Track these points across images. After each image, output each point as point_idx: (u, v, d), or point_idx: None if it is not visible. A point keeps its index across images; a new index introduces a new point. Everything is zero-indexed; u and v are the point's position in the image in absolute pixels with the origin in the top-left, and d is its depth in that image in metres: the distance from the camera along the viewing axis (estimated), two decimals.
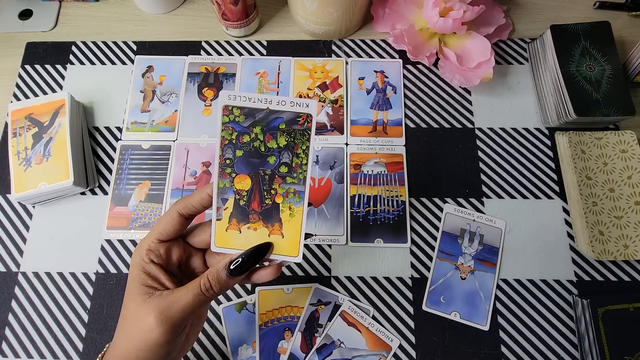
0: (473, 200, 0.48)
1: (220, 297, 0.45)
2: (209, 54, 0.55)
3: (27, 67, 0.54)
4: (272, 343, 0.43)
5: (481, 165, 0.50)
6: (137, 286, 0.28)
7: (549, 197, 0.48)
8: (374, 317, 0.44)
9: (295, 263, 0.37)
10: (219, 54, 0.55)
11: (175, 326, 0.27)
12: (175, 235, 0.30)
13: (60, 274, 0.45)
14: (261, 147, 0.30)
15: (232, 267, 0.28)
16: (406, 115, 0.52)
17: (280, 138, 0.30)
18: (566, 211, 0.48)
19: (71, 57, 0.55)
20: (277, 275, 0.30)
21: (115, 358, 0.28)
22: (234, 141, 0.30)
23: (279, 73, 0.54)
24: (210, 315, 0.44)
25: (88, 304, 0.44)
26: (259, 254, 0.29)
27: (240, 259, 0.28)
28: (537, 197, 0.48)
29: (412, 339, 0.43)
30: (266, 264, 0.31)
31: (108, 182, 0.49)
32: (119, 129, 0.51)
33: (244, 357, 0.42)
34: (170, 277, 0.29)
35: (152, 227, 0.30)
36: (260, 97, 0.30)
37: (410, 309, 0.44)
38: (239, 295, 0.45)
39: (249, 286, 0.45)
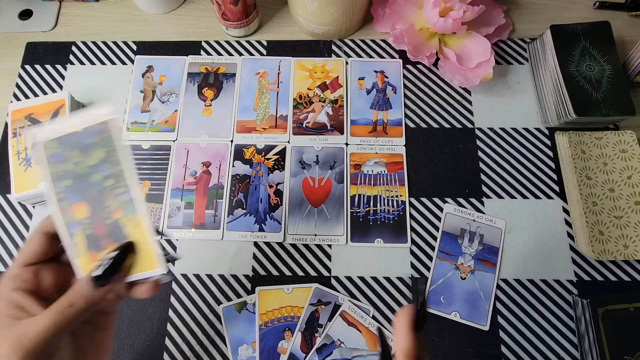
0: (473, 200, 0.48)
1: (220, 297, 0.45)
2: (209, 54, 0.55)
3: (27, 67, 0.54)
4: (272, 343, 0.43)
5: (481, 165, 0.50)
6: (4, 320, 0.24)
7: (549, 197, 0.48)
8: (373, 317, 0.44)
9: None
10: (219, 54, 0.55)
11: (34, 354, 0.23)
12: (45, 256, 0.27)
13: None
14: (84, 168, 0.28)
15: (94, 276, 0.25)
16: (406, 115, 0.52)
17: (96, 152, 0.28)
18: (566, 211, 0.48)
19: (71, 57, 0.55)
20: (155, 292, 0.27)
21: None
22: (60, 173, 0.28)
23: (279, 73, 0.54)
24: (210, 315, 0.44)
25: None
26: (120, 256, 0.26)
27: (101, 266, 0.25)
28: (537, 197, 0.48)
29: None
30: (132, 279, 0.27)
31: None
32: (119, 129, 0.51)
33: (244, 357, 0.42)
34: (44, 303, 0.25)
35: (15, 257, 0.28)
36: (65, 123, 0.28)
37: None
38: (238, 295, 0.45)
39: (248, 285, 0.45)
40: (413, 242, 0.47)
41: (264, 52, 0.55)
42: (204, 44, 0.56)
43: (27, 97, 0.53)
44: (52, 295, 0.26)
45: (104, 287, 0.25)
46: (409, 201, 0.48)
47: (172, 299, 0.45)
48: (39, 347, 0.23)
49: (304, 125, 0.51)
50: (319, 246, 0.47)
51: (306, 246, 0.47)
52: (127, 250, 0.26)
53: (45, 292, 0.26)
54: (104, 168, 0.28)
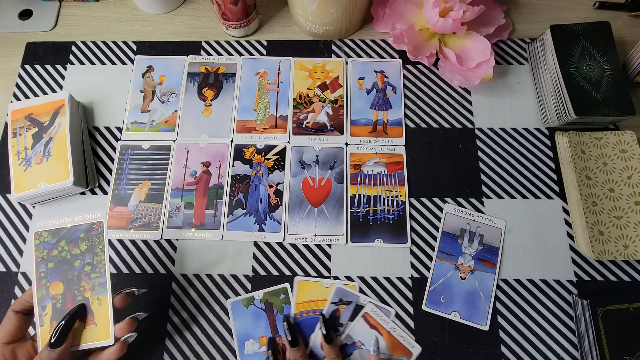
0: (473, 200, 0.48)
1: (220, 297, 0.45)
2: (209, 54, 0.55)
3: (27, 67, 0.54)
4: (304, 333, 0.43)
5: (481, 165, 0.50)
6: None
7: (549, 197, 0.48)
8: (396, 316, 0.44)
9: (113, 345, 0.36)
10: (219, 54, 0.55)
11: None
12: (20, 334, 0.33)
13: None
14: (67, 256, 0.36)
15: (52, 340, 0.31)
16: (406, 115, 0.52)
17: (81, 244, 0.36)
18: (566, 211, 0.48)
19: (71, 57, 0.55)
20: (120, 355, 0.33)
21: None
22: (45, 257, 0.36)
23: (279, 73, 0.54)
24: (210, 315, 0.44)
25: None
26: (69, 320, 0.32)
27: (56, 329, 0.31)
28: (537, 197, 0.48)
29: (412, 339, 0.43)
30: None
31: (108, 182, 0.49)
32: (119, 129, 0.51)
33: (250, 352, 0.42)
34: None
35: None
36: (61, 220, 0.37)
37: (410, 309, 0.44)
38: (247, 290, 0.45)
39: (248, 286, 0.45)
40: (413, 242, 0.47)
41: (264, 52, 0.55)
42: (204, 44, 0.56)
43: (27, 97, 0.53)
44: None
45: (58, 348, 0.30)
46: (409, 201, 0.48)
47: (172, 299, 0.45)
48: None
49: (304, 125, 0.51)
50: (319, 246, 0.47)
51: (306, 246, 0.47)
52: (75, 317, 0.32)
53: None
54: (86, 257, 0.36)
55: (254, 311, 0.43)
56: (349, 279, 0.45)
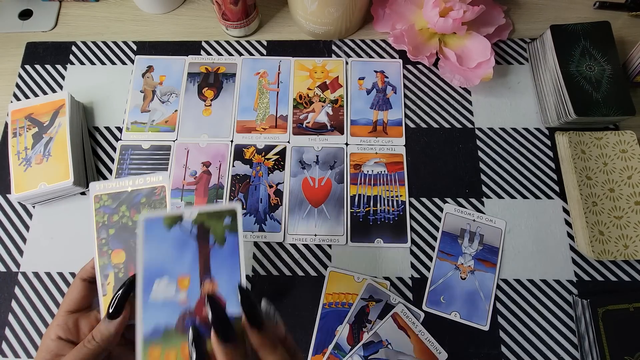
0: (473, 200, 0.48)
1: None
2: (209, 54, 0.55)
3: (27, 67, 0.54)
4: (331, 325, 0.43)
5: (481, 165, 0.50)
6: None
7: (549, 197, 0.48)
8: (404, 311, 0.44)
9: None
10: (219, 54, 0.55)
11: None
12: (86, 303, 0.31)
13: (60, 274, 0.45)
14: (129, 222, 0.33)
15: (110, 310, 0.28)
16: (406, 115, 0.52)
17: (143, 210, 0.33)
18: (566, 211, 0.48)
19: (71, 57, 0.55)
20: None
21: None
22: (105, 222, 0.33)
23: (279, 73, 0.54)
24: None
25: None
26: (126, 291, 0.29)
27: (113, 299, 0.28)
28: (537, 197, 0.48)
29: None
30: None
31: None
32: (119, 129, 0.51)
33: (160, 296, 0.27)
34: None
35: (61, 302, 0.31)
36: (121, 182, 0.34)
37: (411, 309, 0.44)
38: None
39: (248, 286, 0.45)
40: (413, 242, 0.47)
41: (264, 52, 0.55)
42: (204, 44, 0.56)
43: (27, 97, 0.53)
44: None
45: (116, 319, 0.28)
46: (409, 201, 0.48)
47: None
48: None
49: (304, 125, 0.51)
50: (319, 246, 0.47)
51: (306, 246, 0.47)
52: (131, 287, 0.29)
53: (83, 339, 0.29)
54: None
55: (177, 237, 0.29)
56: None
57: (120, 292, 0.28)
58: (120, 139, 0.51)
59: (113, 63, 0.54)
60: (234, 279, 0.27)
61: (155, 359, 0.26)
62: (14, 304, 0.44)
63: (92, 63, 0.54)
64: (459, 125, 0.52)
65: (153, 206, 0.34)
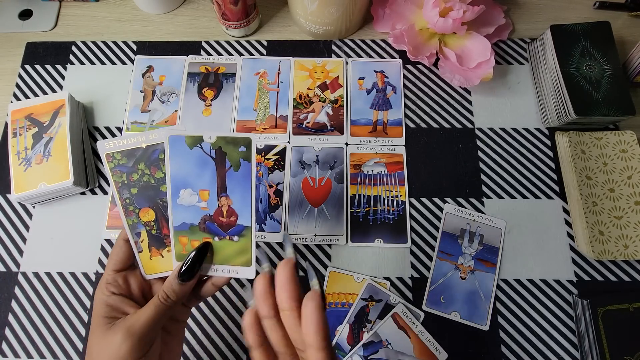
0: (473, 200, 0.48)
1: (220, 298, 0.45)
2: (209, 54, 0.55)
3: (27, 67, 0.54)
4: (331, 325, 0.43)
5: (481, 165, 0.50)
6: (100, 319, 0.29)
7: (549, 197, 0.48)
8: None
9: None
10: (219, 54, 0.55)
11: (142, 339, 0.28)
12: (130, 262, 0.32)
13: (60, 274, 0.45)
14: (151, 180, 0.33)
15: (182, 272, 0.30)
16: (406, 115, 0.52)
17: (164, 167, 0.33)
18: (566, 211, 0.48)
19: (71, 57, 0.55)
20: (226, 281, 0.33)
21: None
22: (125, 182, 0.33)
23: (279, 73, 0.54)
24: (210, 315, 0.44)
25: (88, 304, 0.44)
26: (200, 254, 0.31)
27: (187, 264, 0.30)
28: (537, 197, 0.48)
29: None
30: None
31: (108, 182, 0.49)
32: (119, 129, 0.51)
33: (185, 202, 0.33)
34: (135, 304, 0.30)
35: (107, 263, 0.32)
36: (132, 137, 0.33)
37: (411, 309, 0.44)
38: (239, 296, 0.45)
39: (248, 286, 0.45)
40: (413, 242, 0.47)
41: (264, 52, 0.55)
42: (204, 44, 0.56)
43: (27, 97, 0.53)
44: (138, 299, 0.31)
45: (188, 281, 0.30)
46: (409, 201, 0.48)
47: None
48: (145, 334, 0.28)
49: (304, 125, 0.51)
50: (319, 246, 0.47)
51: (306, 246, 0.47)
52: (206, 249, 0.31)
53: (133, 296, 0.31)
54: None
55: (199, 156, 0.32)
56: None
57: (191, 257, 0.30)
58: None
59: (113, 63, 0.54)
60: (246, 198, 0.32)
61: (184, 243, 0.32)
62: (14, 304, 0.44)
63: (92, 63, 0.54)
64: (459, 125, 0.52)
65: None
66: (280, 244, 0.47)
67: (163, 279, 0.33)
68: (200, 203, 0.33)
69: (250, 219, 0.32)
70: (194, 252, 0.31)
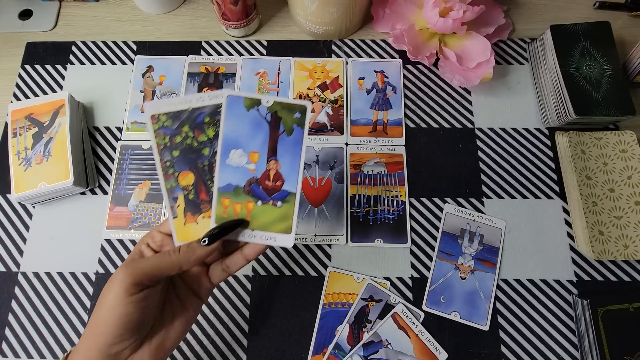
0: (473, 200, 0.48)
1: (220, 298, 0.45)
2: (209, 54, 0.55)
3: (27, 67, 0.54)
4: (331, 325, 0.43)
5: (481, 165, 0.50)
6: (126, 261, 0.31)
7: (549, 197, 0.48)
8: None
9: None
10: (219, 54, 0.55)
11: (135, 276, 0.28)
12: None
13: (60, 274, 0.45)
14: (194, 143, 0.33)
15: (202, 239, 0.30)
16: (406, 115, 0.52)
17: (208, 130, 0.33)
18: (566, 211, 0.48)
19: (71, 57, 0.55)
20: (258, 253, 0.33)
21: (82, 336, 0.29)
22: (168, 144, 0.33)
23: (279, 73, 0.54)
24: (210, 315, 0.44)
25: (88, 304, 0.44)
26: (231, 226, 0.31)
27: (215, 230, 0.30)
28: (537, 197, 0.48)
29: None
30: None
31: (108, 182, 0.49)
32: (119, 129, 0.51)
33: (234, 162, 0.33)
34: None
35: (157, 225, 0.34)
36: (180, 100, 0.33)
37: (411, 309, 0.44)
38: (239, 296, 0.45)
39: (248, 286, 0.45)
40: (413, 242, 0.47)
41: (264, 52, 0.55)
42: (204, 44, 0.56)
43: (27, 97, 0.53)
44: None
45: (207, 246, 0.30)
46: (409, 201, 0.48)
47: None
48: (140, 273, 0.28)
49: None
50: (319, 246, 0.47)
51: (306, 246, 0.47)
52: (236, 225, 0.31)
53: None
54: (215, 144, 0.33)
55: (254, 118, 0.33)
56: None
57: (219, 228, 0.30)
58: (120, 139, 0.51)
59: (113, 63, 0.54)
60: (294, 164, 0.33)
61: (225, 206, 0.32)
62: (14, 304, 0.44)
63: (92, 63, 0.54)
64: (459, 125, 0.52)
65: (218, 125, 0.33)
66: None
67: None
68: (248, 165, 0.33)
69: (296, 185, 0.32)
70: (226, 223, 0.31)
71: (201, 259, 0.30)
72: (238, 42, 0.56)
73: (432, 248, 0.46)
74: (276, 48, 0.55)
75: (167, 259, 0.29)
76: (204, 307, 0.44)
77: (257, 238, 0.32)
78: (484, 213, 0.48)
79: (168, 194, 0.32)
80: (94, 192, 0.49)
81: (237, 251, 0.33)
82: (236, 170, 0.32)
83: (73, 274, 0.45)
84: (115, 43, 0.55)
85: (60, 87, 0.53)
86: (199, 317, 0.44)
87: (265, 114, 0.33)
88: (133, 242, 0.47)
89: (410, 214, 0.48)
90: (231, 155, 0.33)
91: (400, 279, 0.45)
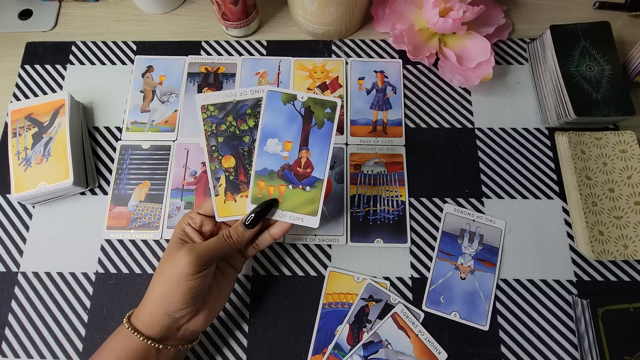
0: (473, 200, 0.48)
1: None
2: (209, 54, 0.55)
3: (27, 67, 0.54)
4: (331, 325, 0.43)
5: (481, 165, 0.50)
6: (175, 239, 0.36)
7: (549, 197, 0.48)
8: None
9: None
10: (219, 54, 0.55)
11: (199, 259, 0.33)
12: (212, 214, 0.38)
13: (60, 274, 0.45)
14: (236, 131, 0.38)
15: (246, 222, 0.35)
16: (406, 115, 0.52)
17: (249, 120, 0.38)
18: (566, 211, 0.48)
19: (71, 57, 0.55)
20: (283, 232, 0.38)
21: (146, 298, 0.35)
22: (214, 131, 0.38)
23: (279, 73, 0.54)
24: None
25: (88, 304, 0.44)
26: (267, 207, 0.36)
27: (253, 214, 0.35)
28: (537, 197, 0.48)
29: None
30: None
31: (108, 182, 0.49)
32: (119, 129, 0.51)
33: (270, 150, 0.37)
34: (203, 237, 0.37)
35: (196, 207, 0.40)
36: (226, 93, 0.38)
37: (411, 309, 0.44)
38: (239, 296, 0.45)
39: (248, 286, 0.45)
40: (413, 242, 0.47)
41: (264, 52, 0.55)
42: (204, 44, 0.56)
43: (27, 97, 0.53)
44: (207, 238, 0.37)
45: (251, 229, 0.36)
46: (409, 201, 0.48)
47: None
48: (202, 255, 0.34)
49: None
50: (318, 246, 0.47)
51: (306, 246, 0.47)
52: (271, 205, 0.36)
53: (204, 234, 0.38)
54: (255, 133, 0.38)
55: (290, 112, 0.38)
56: None
57: (257, 210, 0.36)
58: (120, 139, 0.51)
59: (113, 63, 0.54)
60: (323, 154, 0.37)
61: (261, 187, 0.37)
62: (14, 304, 0.44)
63: (92, 63, 0.54)
64: (459, 125, 0.52)
65: (258, 117, 0.37)
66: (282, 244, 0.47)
67: (233, 222, 0.37)
68: (283, 153, 0.37)
69: (324, 172, 0.37)
70: (260, 206, 0.36)
71: (249, 239, 0.37)
72: (238, 42, 0.56)
73: (432, 248, 0.46)
74: (276, 48, 0.55)
75: (225, 243, 0.35)
76: None
77: (287, 218, 0.37)
78: (483, 213, 0.48)
79: (212, 174, 0.38)
80: (93, 192, 0.49)
81: (265, 231, 0.38)
82: (272, 157, 0.37)
83: (73, 274, 0.45)
84: (115, 43, 0.55)
85: (60, 87, 0.53)
86: None
87: (300, 108, 0.38)
88: (133, 242, 0.47)
89: (410, 214, 0.48)
90: (268, 143, 0.37)
91: (400, 279, 0.45)
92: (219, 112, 0.38)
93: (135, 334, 0.33)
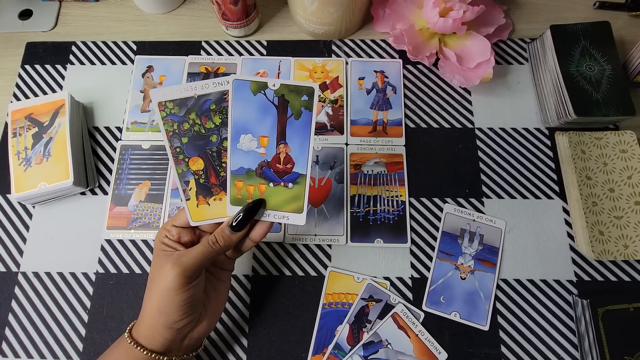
0: (473, 200, 0.48)
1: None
2: (209, 54, 0.55)
3: (27, 67, 0.54)
4: (331, 324, 0.43)
5: (481, 165, 0.50)
6: (158, 252, 0.34)
7: (549, 197, 0.48)
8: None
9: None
10: (219, 54, 0.55)
11: (187, 270, 0.31)
12: (187, 226, 0.35)
13: (60, 274, 0.45)
14: (201, 130, 0.34)
15: (233, 223, 0.33)
16: (406, 115, 0.52)
17: (214, 118, 0.34)
18: (566, 211, 0.48)
19: (71, 57, 0.55)
20: (264, 234, 0.35)
21: (143, 313, 0.34)
22: (176, 131, 0.34)
23: (279, 73, 0.54)
24: None
25: (88, 304, 0.44)
26: (253, 209, 0.33)
27: (240, 215, 0.33)
28: (537, 197, 0.48)
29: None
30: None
31: (108, 182, 0.49)
32: (119, 129, 0.51)
33: (245, 147, 0.34)
34: (184, 248, 0.35)
35: (170, 218, 0.36)
36: (185, 87, 0.33)
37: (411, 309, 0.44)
38: (239, 296, 0.45)
39: (248, 286, 0.45)
40: (413, 242, 0.47)
41: (264, 52, 0.55)
42: (204, 44, 0.56)
43: (27, 97, 0.53)
44: (189, 247, 0.34)
45: (238, 232, 0.33)
46: (409, 201, 0.48)
47: None
48: (189, 266, 0.32)
49: None
50: (318, 246, 0.47)
51: (306, 246, 0.47)
52: (258, 205, 0.33)
53: (185, 245, 0.35)
54: (223, 131, 0.34)
55: (262, 102, 0.33)
56: None
57: (243, 212, 0.33)
58: (120, 139, 0.51)
59: (113, 63, 0.54)
60: (304, 146, 0.33)
61: (239, 188, 0.34)
62: (14, 304, 0.44)
63: (92, 63, 0.54)
64: (459, 125, 0.52)
65: (224, 113, 0.33)
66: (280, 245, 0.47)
67: (213, 226, 0.35)
68: (259, 149, 0.34)
69: (306, 167, 0.33)
70: (247, 206, 0.33)
71: (236, 242, 0.34)
72: (238, 42, 0.56)
73: (432, 248, 0.46)
74: (276, 48, 0.55)
75: (212, 250, 0.33)
76: None
77: (271, 217, 0.34)
78: (484, 213, 0.48)
79: (180, 178, 0.34)
80: (94, 192, 0.49)
81: (247, 236, 0.35)
82: (247, 155, 0.34)
83: (73, 274, 0.45)
84: (115, 43, 0.55)
85: (60, 87, 0.53)
86: None
87: (273, 97, 0.33)
88: (133, 242, 0.47)
89: (410, 214, 0.48)
90: (241, 140, 0.33)
91: (400, 279, 0.45)
92: (179, 109, 0.33)
93: (139, 348, 0.33)
